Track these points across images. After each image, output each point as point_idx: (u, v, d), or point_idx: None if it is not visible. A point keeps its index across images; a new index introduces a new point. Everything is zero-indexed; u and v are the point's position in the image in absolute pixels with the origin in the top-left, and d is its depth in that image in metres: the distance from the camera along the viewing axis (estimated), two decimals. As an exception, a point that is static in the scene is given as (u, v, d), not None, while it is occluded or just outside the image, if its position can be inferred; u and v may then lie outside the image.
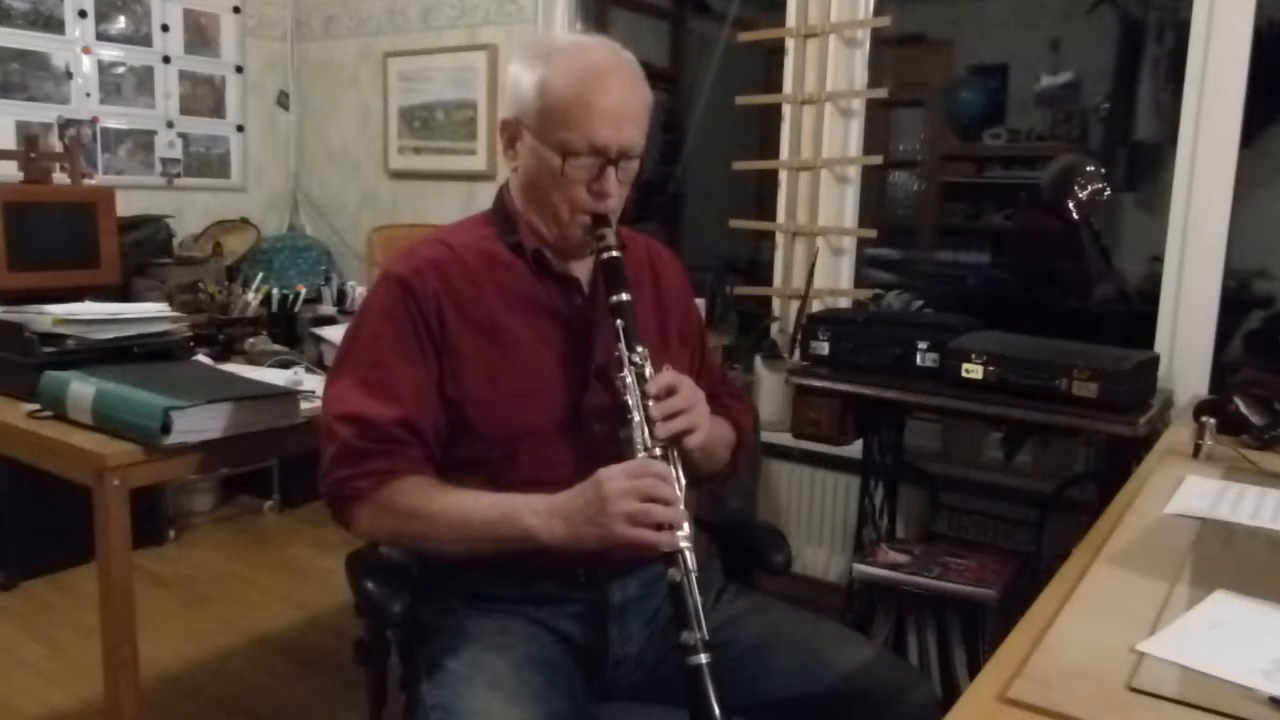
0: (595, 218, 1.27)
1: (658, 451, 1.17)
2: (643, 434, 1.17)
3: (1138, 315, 2.75)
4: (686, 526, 1.14)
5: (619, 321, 1.23)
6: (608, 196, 1.25)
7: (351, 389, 1.25)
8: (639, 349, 1.22)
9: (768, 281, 2.96)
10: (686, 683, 1.09)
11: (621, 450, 1.19)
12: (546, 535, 1.15)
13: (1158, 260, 2.41)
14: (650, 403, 1.18)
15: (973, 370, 2.03)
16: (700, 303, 2.75)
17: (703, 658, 1.08)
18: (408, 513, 1.21)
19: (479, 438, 1.26)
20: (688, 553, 1.12)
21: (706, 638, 1.09)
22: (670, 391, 1.20)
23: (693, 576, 1.11)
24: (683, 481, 1.18)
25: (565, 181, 1.24)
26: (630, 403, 1.19)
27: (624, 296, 1.24)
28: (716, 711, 1.06)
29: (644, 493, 1.11)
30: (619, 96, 1.23)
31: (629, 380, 1.20)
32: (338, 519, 1.27)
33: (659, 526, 1.11)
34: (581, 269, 1.34)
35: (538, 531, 1.16)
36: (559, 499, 1.16)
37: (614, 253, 1.27)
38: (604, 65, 1.24)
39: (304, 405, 1.55)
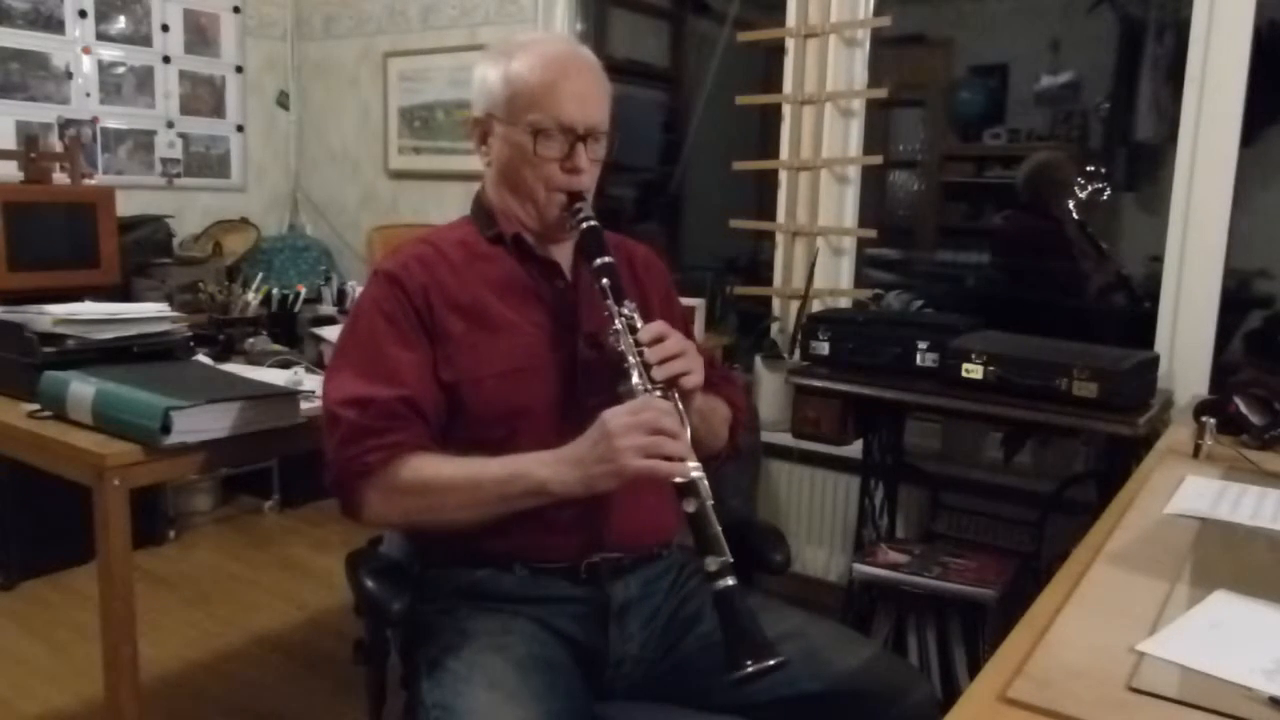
0: (570, 195, 1.31)
1: (658, 393, 1.19)
2: (641, 378, 1.19)
3: (1138, 315, 2.74)
4: (695, 461, 1.15)
5: (605, 280, 1.26)
6: (580, 172, 1.30)
7: (351, 378, 1.26)
8: (627, 302, 1.24)
9: (768, 281, 2.96)
10: (718, 608, 1.10)
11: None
12: (559, 484, 1.17)
13: (1158, 260, 2.41)
14: (644, 349, 1.20)
15: (973, 370, 2.03)
16: (700, 302, 2.78)
17: (730, 580, 1.10)
18: (418, 487, 1.22)
19: (476, 419, 1.27)
20: (701, 482, 1.14)
21: (731, 560, 1.11)
22: (661, 338, 1.22)
23: (709, 504, 1.13)
24: (686, 421, 1.20)
25: (538, 160, 1.30)
26: (625, 351, 1.21)
27: (607, 259, 1.28)
28: (755, 629, 1.07)
29: (649, 425, 1.13)
30: (581, 80, 1.30)
31: (620, 327, 1.22)
32: (347, 507, 1.26)
33: (668, 459, 1.13)
34: (562, 254, 1.37)
35: (549, 482, 1.17)
36: (567, 448, 1.18)
37: (593, 222, 1.30)
38: (564, 54, 1.32)
39: (304, 405, 1.55)
